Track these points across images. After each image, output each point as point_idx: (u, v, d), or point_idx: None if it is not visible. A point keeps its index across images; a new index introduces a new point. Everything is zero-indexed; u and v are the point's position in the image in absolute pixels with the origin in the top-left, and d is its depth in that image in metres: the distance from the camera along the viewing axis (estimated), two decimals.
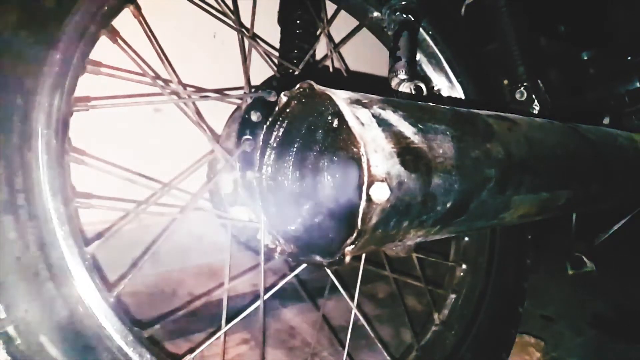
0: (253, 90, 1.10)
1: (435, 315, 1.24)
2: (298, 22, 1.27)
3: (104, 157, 1.14)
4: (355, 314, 1.10)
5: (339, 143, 0.64)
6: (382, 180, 0.54)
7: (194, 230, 1.09)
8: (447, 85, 1.31)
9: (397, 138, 0.58)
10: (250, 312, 0.99)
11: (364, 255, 1.09)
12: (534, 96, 1.27)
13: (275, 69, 1.22)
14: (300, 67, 1.21)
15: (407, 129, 0.60)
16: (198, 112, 1.42)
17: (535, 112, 1.27)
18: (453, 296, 1.26)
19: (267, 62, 1.20)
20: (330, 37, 1.35)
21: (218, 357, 1.01)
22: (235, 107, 1.17)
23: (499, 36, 1.31)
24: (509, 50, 1.29)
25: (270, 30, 1.38)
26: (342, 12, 1.30)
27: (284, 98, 0.66)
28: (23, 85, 0.70)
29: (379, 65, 1.83)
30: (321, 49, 1.35)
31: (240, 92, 1.18)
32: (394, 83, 0.97)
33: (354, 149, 0.55)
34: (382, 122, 0.58)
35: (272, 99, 1.06)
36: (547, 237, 1.71)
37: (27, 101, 0.70)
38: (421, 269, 1.30)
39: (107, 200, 1.19)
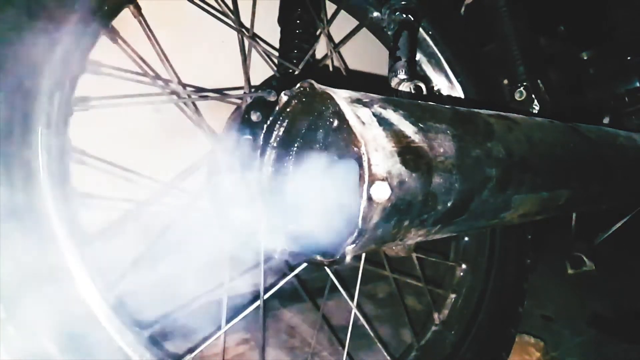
0: (253, 90, 1.10)
1: (435, 315, 1.24)
2: (298, 22, 1.27)
3: (103, 157, 1.14)
4: (355, 314, 1.10)
5: (340, 142, 0.64)
6: (383, 180, 0.54)
7: (194, 229, 1.09)
8: (447, 85, 1.31)
9: (398, 137, 0.58)
10: (250, 312, 0.99)
11: (363, 255, 1.09)
12: (533, 96, 1.27)
13: (275, 68, 1.22)
14: (300, 67, 1.21)
15: (408, 128, 0.60)
16: (198, 112, 1.42)
17: (535, 111, 1.27)
18: (453, 296, 1.26)
19: (267, 62, 1.20)
20: (330, 37, 1.35)
21: (218, 357, 1.01)
22: (235, 107, 1.17)
23: (498, 36, 1.31)
24: (509, 50, 1.29)
25: (270, 30, 1.38)
26: (342, 12, 1.30)
27: (284, 97, 0.66)
28: (23, 85, 0.70)
29: (379, 65, 1.84)
30: (321, 49, 1.35)
31: (240, 92, 1.18)
32: (393, 83, 0.97)
33: (355, 148, 0.55)
34: (382, 121, 0.58)
35: (272, 98, 1.06)
36: (547, 237, 1.71)
37: (27, 101, 0.70)
38: (421, 269, 1.30)
39: (107, 200, 1.19)
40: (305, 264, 1.01)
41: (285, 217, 0.69)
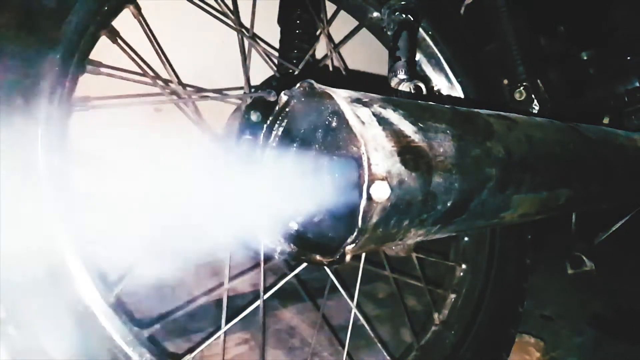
0: (253, 90, 1.10)
1: (435, 315, 1.24)
2: (298, 22, 1.27)
3: (103, 157, 1.14)
4: (355, 313, 1.10)
5: (339, 142, 0.64)
6: (383, 179, 0.54)
7: (194, 229, 1.09)
8: (447, 85, 1.31)
9: (398, 137, 0.58)
10: (250, 312, 0.99)
11: (363, 255, 1.09)
12: (533, 96, 1.27)
13: (275, 68, 1.22)
14: (300, 67, 1.21)
15: (408, 128, 0.60)
16: (198, 112, 1.42)
17: (535, 111, 1.27)
18: (453, 296, 1.26)
19: (267, 62, 1.20)
20: (330, 37, 1.35)
21: (218, 357, 1.01)
22: (235, 107, 1.17)
23: (498, 36, 1.31)
24: (509, 50, 1.29)
25: (270, 30, 1.38)
26: (342, 12, 1.30)
27: (284, 97, 0.66)
28: (23, 85, 0.70)
29: (379, 65, 1.84)
30: (321, 49, 1.35)
31: (240, 92, 1.18)
32: (393, 83, 0.97)
33: (355, 148, 0.55)
34: (382, 121, 0.58)
35: (272, 98, 1.06)
36: (547, 237, 1.71)
37: (27, 102, 0.70)
38: (421, 269, 1.30)
39: (107, 199, 1.19)
40: (305, 264, 1.01)
41: (285, 217, 0.69)
